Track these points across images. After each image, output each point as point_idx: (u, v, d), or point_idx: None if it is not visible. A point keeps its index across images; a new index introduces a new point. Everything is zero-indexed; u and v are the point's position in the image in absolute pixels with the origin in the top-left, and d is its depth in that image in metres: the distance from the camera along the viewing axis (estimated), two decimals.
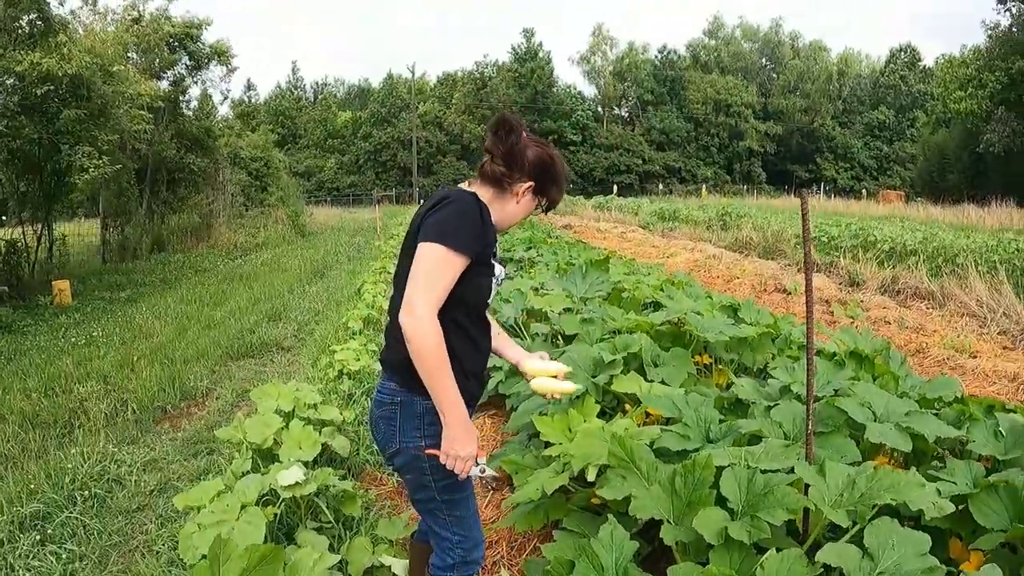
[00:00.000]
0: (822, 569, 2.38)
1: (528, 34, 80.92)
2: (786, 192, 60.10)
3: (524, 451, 4.52)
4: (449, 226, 2.52)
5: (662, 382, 4.70)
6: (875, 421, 3.48)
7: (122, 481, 5.57)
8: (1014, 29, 53.78)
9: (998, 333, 9.75)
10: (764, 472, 2.87)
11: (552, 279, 8.34)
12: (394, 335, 2.67)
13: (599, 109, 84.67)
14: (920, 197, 51.95)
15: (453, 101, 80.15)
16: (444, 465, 2.59)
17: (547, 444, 4.11)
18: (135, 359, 9.20)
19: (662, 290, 7.45)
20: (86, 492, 5.19)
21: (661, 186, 70.27)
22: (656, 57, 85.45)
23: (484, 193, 2.75)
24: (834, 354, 4.79)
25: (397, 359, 2.66)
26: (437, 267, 2.49)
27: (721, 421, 3.78)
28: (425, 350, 2.44)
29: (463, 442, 2.54)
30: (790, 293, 12.65)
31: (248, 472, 4.24)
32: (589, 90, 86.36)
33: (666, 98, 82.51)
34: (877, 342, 4.99)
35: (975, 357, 8.48)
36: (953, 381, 4.32)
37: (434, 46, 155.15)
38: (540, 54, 79.94)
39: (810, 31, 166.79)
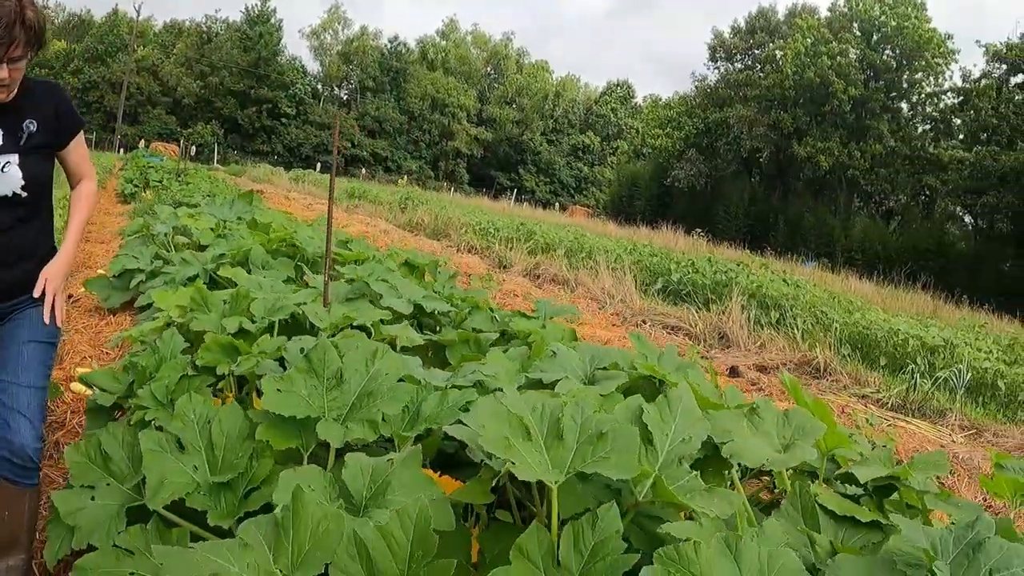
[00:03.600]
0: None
1: None
2: (484, 194, 62.95)
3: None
4: None
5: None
6: (397, 298, 4.79)
7: None
8: (719, 86, 60.39)
9: (612, 313, 11.75)
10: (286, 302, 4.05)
11: (207, 208, 9.28)
12: None
13: (319, 87, 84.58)
14: (603, 216, 56.55)
15: (174, 51, 76.93)
16: None
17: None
18: None
19: (297, 231, 8.56)
20: None
21: (365, 171, 70.86)
22: (385, 46, 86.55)
23: None
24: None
25: None
26: None
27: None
28: None
29: None
30: (453, 270, 14.10)
31: None
32: (313, 66, 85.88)
33: (387, 87, 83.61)
34: (429, 261, 6.42)
35: (580, 325, 10.18)
36: (484, 293, 5.77)
37: None
38: (272, 20, 78.37)
39: (544, 53, 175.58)
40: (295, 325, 3.99)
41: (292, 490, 1.88)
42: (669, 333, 10.96)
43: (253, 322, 3.81)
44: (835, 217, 51.23)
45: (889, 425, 7.16)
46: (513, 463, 1.93)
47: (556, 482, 1.99)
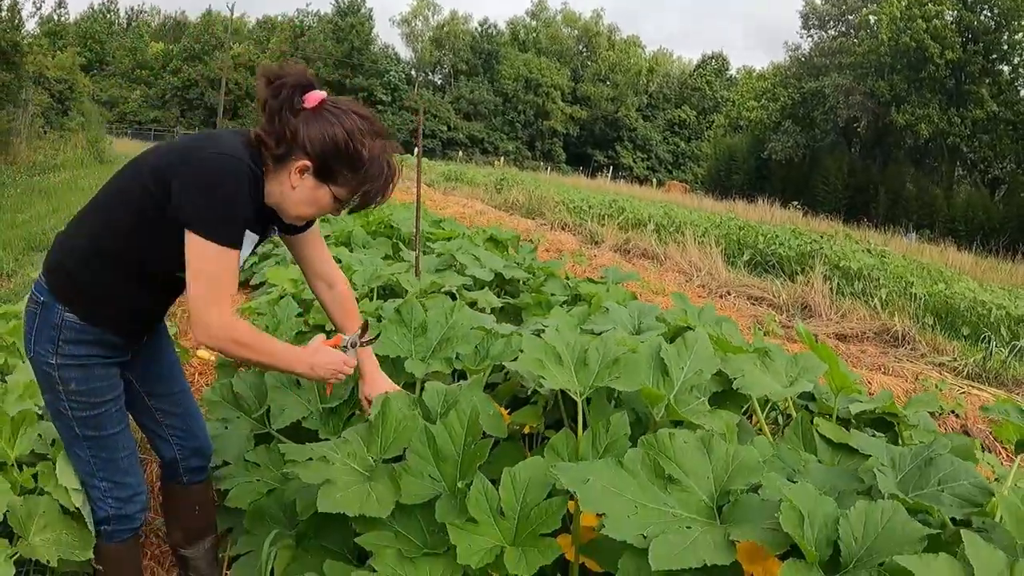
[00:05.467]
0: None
1: None
2: (580, 172, 62.97)
3: None
4: (211, 212, 2.16)
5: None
6: (480, 268, 5.42)
7: None
8: (814, 54, 59.15)
9: (698, 285, 12.21)
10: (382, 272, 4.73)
11: None
12: (59, 239, 2.42)
13: (412, 72, 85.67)
14: (700, 190, 56.29)
15: (269, 46, 78.91)
16: (84, 393, 2.33)
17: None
18: None
19: (393, 214, 9.31)
20: None
21: (462, 153, 71.61)
22: (476, 29, 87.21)
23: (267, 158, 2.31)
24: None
25: (53, 260, 2.37)
26: (216, 270, 2.17)
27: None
28: (245, 355, 2.31)
29: (320, 363, 2.52)
30: (534, 243, 14.68)
31: None
32: (406, 53, 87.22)
33: (480, 70, 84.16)
34: (511, 236, 7.05)
35: (665, 296, 10.55)
36: (559, 264, 6.36)
37: None
38: (362, 10, 79.58)
39: (634, 28, 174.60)
40: (392, 292, 4.68)
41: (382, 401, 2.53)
42: (753, 304, 11.28)
43: (356, 289, 4.48)
44: (937, 187, 49.82)
45: (962, 392, 7.22)
46: (543, 378, 2.53)
47: (580, 394, 2.60)
